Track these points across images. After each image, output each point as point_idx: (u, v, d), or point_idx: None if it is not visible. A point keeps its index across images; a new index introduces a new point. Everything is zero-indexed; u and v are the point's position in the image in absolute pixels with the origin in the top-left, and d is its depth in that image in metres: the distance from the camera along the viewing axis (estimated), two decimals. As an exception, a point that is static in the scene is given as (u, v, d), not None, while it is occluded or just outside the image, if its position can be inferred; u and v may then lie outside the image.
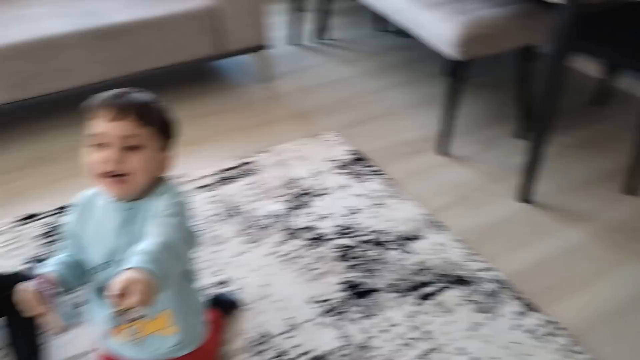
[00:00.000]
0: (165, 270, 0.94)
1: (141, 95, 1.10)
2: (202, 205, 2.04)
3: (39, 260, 1.78)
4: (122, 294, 0.86)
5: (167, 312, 1.15)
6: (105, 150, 1.02)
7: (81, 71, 2.36)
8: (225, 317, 1.57)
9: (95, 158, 1.03)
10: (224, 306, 1.59)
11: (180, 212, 1.08)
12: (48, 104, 2.64)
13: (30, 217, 1.98)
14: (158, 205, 1.07)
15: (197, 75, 3.00)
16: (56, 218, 1.97)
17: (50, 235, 1.89)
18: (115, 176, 1.03)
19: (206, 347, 1.28)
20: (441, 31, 2.09)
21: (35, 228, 1.93)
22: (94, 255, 1.13)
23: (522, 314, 1.61)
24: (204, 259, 1.79)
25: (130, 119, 1.03)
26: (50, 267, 1.11)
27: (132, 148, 1.04)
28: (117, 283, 0.87)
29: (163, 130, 1.12)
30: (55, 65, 2.29)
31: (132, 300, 0.86)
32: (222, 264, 1.78)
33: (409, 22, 2.28)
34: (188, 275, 1.22)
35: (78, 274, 1.15)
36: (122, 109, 1.03)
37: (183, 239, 1.05)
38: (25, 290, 1.02)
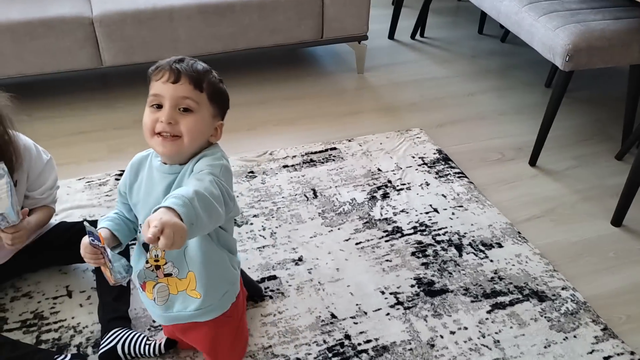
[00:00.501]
0: (194, 217, 0.93)
1: (198, 64, 1.15)
2: (285, 184, 2.10)
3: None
4: (156, 237, 0.85)
5: (193, 274, 1.18)
6: (161, 111, 1.10)
7: (187, 43, 2.48)
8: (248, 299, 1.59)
9: (150, 117, 1.10)
10: (250, 290, 1.59)
11: (219, 173, 1.10)
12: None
13: (128, 173, 2.12)
14: (198, 166, 1.12)
15: (293, 59, 3.07)
16: (151, 177, 2.10)
17: (145, 192, 2.02)
18: (167, 136, 1.09)
19: (229, 317, 1.29)
20: (552, 39, 2.02)
21: (132, 184, 2.06)
22: (141, 214, 1.20)
23: (599, 339, 1.55)
24: (281, 235, 1.85)
25: (185, 83, 1.10)
26: (103, 224, 1.20)
27: (185, 110, 1.10)
28: (150, 221, 0.87)
29: (215, 99, 1.17)
30: (168, 34, 2.42)
31: (162, 241, 0.85)
32: (299, 242, 1.83)
33: (518, 27, 2.21)
34: (225, 244, 1.24)
35: (128, 232, 1.24)
36: (179, 73, 1.09)
37: (217, 197, 1.04)
38: (82, 245, 1.10)
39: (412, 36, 3.31)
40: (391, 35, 3.29)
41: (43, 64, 2.34)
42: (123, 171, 2.12)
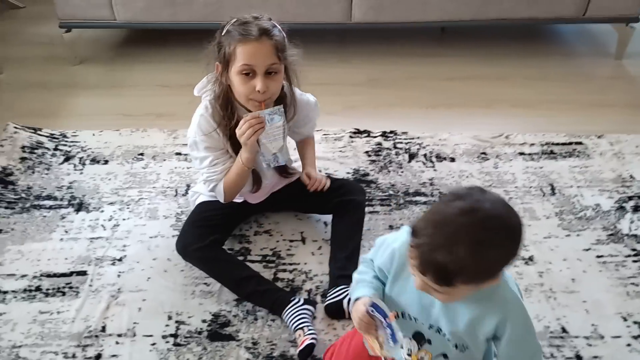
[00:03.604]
0: None
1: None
2: (519, 173, 1.96)
3: (365, 173, 1.95)
4: None
5: None
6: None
7: (437, 7, 2.41)
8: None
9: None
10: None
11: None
12: (397, 31, 2.80)
13: (364, 133, 2.16)
14: None
15: (538, 34, 2.82)
16: (382, 140, 2.12)
17: (378, 154, 2.06)
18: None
19: None
20: None
21: (366, 144, 2.11)
22: (411, 306, 1.10)
23: None
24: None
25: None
26: (369, 291, 1.10)
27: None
28: None
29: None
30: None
31: None
32: (531, 240, 1.71)
33: None
34: None
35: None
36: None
37: None
38: (359, 312, 1.05)
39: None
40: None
41: (298, 14, 2.46)
42: (358, 130, 2.21)
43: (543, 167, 1.99)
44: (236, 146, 1.50)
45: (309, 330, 1.39)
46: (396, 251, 1.06)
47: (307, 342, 1.35)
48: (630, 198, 1.86)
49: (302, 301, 1.47)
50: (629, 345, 1.43)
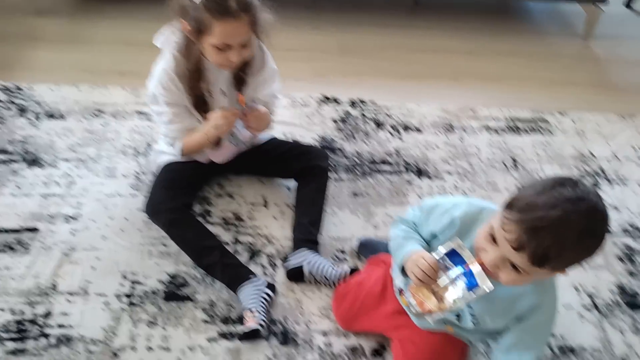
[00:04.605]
0: None
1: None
2: (484, 146, 1.97)
3: (331, 139, 1.93)
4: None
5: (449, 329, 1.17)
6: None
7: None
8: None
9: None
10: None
11: None
12: (371, 0, 2.76)
13: (332, 100, 2.13)
14: None
15: (509, 10, 2.82)
16: (350, 108, 2.10)
17: (345, 122, 2.03)
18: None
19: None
20: None
21: (333, 111, 2.08)
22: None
23: None
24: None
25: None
26: (417, 246, 1.11)
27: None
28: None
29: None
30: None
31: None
32: (491, 211, 1.73)
33: None
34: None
35: None
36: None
37: None
38: (430, 260, 1.04)
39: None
40: (629, 3, 2.86)
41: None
42: (326, 97, 2.17)
43: (507, 142, 2.00)
44: (199, 104, 1.45)
45: (259, 313, 1.34)
46: (457, 219, 1.08)
47: (254, 326, 1.31)
48: (588, 175, 1.89)
49: (264, 283, 1.42)
50: (580, 314, 1.47)
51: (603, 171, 1.91)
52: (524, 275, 0.95)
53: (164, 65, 1.42)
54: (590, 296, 1.51)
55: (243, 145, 1.56)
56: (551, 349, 1.38)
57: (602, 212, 0.91)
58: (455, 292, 1.02)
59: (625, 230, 1.70)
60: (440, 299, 1.04)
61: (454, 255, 1.02)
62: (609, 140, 2.04)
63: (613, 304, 1.50)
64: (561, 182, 0.91)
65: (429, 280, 1.04)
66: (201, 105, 1.46)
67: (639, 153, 1.99)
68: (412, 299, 1.06)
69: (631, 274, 1.58)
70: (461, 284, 1.01)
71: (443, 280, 1.04)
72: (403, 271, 1.13)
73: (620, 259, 1.62)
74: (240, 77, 1.48)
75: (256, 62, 1.48)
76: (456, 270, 1.01)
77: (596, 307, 1.49)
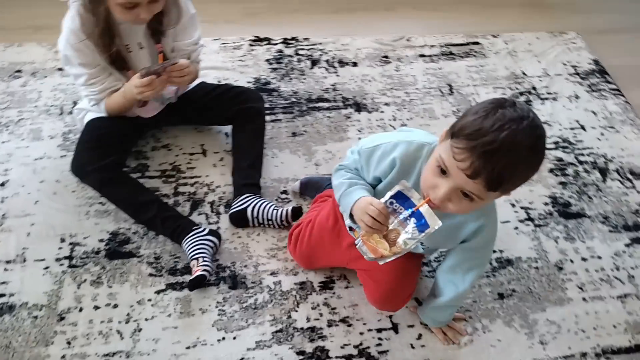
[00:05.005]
0: None
1: None
2: (420, 75, 1.98)
3: (266, 82, 1.89)
4: None
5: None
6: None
7: None
8: None
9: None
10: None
11: None
12: None
13: (264, 40, 2.07)
14: None
15: None
16: (284, 47, 2.04)
17: (279, 62, 1.98)
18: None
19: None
20: None
21: (266, 52, 2.02)
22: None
23: None
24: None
25: None
26: (364, 192, 1.09)
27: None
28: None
29: None
30: None
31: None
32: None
33: None
34: None
35: None
36: None
37: None
38: (378, 206, 1.02)
39: None
40: None
41: None
42: (258, 37, 2.11)
43: (442, 68, 2.01)
44: (117, 61, 1.36)
45: (204, 261, 1.34)
46: (397, 159, 1.06)
47: (199, 273, 1.31)
48: (521, 94, 1.93)
49: (206, 231, 1.41)
50: (516, 228, 1.54)
51: (535, 89, 1.95)
52: (476, 202, 0.95)
53: (70, 24, 1.31)
54: (525, 210, 1.58)
55: (169, 100, 1.49)
56: (490, 263, 1.44)
57: (542, 128, 0.92)
58: (405, 234, 1.02)
59: (557, 144, 1.77)
60: (392, 242, 1.04)
61: (401, 198, 1.01)
62: (540, 59, 2.08)
63: (547, 214, 1.57)
64: (501, 104, 0.91)
65: (380, 226, 1.03)
66: (120, 62, 1.37)
67: (569, 69, 2.04)
68: (364, 246, 1.05)
69: (563, 185, 1.65)
70: (411, 225, 1.01)
71: (393, 224, 1.03)
72: (352, 218, 1.11)
73: (553, 172, 1.68)
74: (157, 28, 1.39)
75: (172, 10, 1.38)
76: (405, 213, 1.01)
77: (531, 219, 1.56)
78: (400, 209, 1.01)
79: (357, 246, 1.06)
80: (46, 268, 1.35)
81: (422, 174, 1.00)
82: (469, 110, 0.93)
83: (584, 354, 1.29)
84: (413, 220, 1.00)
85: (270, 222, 1.46)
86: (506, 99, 0.92)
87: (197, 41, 1.50)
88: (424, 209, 0.98)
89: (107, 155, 1.43)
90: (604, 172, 1.69)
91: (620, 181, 1.67)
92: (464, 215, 1.07)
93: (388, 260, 1.04)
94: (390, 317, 1.33)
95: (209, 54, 1.98)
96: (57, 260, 1.37)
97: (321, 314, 1.32)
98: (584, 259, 1.47)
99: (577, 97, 1.93)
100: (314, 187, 1.55)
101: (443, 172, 0.94)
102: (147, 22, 1.33)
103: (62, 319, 1.27)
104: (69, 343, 1.23)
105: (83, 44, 1.31)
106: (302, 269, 1.40)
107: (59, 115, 1.72)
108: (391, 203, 1.02)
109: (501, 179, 0.88)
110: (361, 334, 1.30)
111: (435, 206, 0.98)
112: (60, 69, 1.86)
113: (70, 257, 1.37)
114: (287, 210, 1.45)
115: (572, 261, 1.46)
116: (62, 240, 1.41)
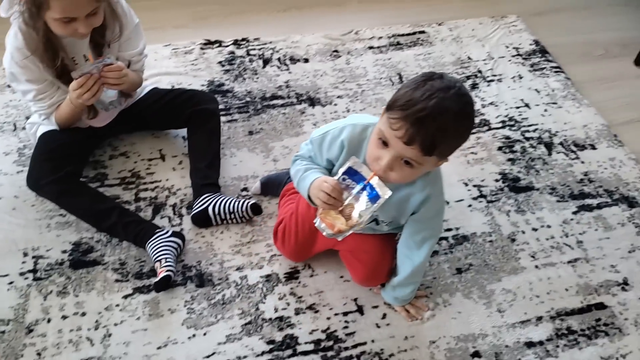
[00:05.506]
0: None
1: None
2: (370, 66, 2.03)
3: (220, 84, 1.91)
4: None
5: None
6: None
7: None
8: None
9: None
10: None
11: None
12: None
13: (215, 43, 2.09)
14: None
15: None
16: (235, 48, 2.07)
17: (231, 63, 2.01)
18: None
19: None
20: None
21: (218, 54, 2.05)
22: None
23: (687, 251, 1.51)
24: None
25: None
26: (318, 174, 1.16)
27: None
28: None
29: None
30: None
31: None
32: (383, 127, 1.81)
33: None
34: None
35: None
36: None
37: None
38: (331, 183, 1.08)
39: None
40: None
41: None
42: (209, 40, 2.13)
43: (391, 58, 2.07)
44: (63, 75, 1.36)
45: (167, 262, 1.36)
46: (345, 141, 1.14)
47: (163, 274, 1.33)
48: (468, 78, 2.01)
49: (169, 233, 1.43)
50: (470, 206, 1.60)
51: (480, 72, 2.03)
52: (417, 168, 1.03)
53: (13, 42, 1.31)
54: (477, 187, 1.65)
55: (115, 106, 1.48)
56: (447, 240, 1.51)
57: (468, 95, 1.01)
58: (359, 206, 1.08)
59: (503, 122, 1.84)
60: (348, 217, 1.09)
61: (352, 174, 1.08)
62: (484, 43, 2.16)
63: (498, 190, 1.64)
64: (429, 77, 1.00)
65: (335, 201, 1.09)
66: (67, 75, 1.36)
67: (511, 50, 2.13)
68: (322, 224, 1.10)
69: (512, 161, 1.73)
70: (364, 197, 1.07)
71: (348, 199, 1.09)
72: (311, 201, 1.17)
73: (501, 150, 1.76)
74: (99, 42, 1.39)
75: (114, 23, 1.38)
76: (357, 187, 1.07)
77: (484, 196, 1.63)
78: (353, 184, 1.08)
79: (315, 224, 1.12)
80: (10, 283, 1.35)
81: (367, 150, 1.08)
82: (402, 86, 1.03)
83: (539, 318, 1.36)
84: (365, 193, 1.07)
85: (232, 216, 1.49)
86: (434, 73, 1.01)
87: (141, 51, 1.51)
88: (375, 180, 1.06)
89: (61, 167, 1.44)
90: (549, 146, 1.78)
91: (565, 153, 1.75)
92: (410, 187, 1.14)
93: (346, 234, 1.10)
94: (355, 300, 1.38)
95: (160, 60, 2.00)
96: (21, 274, 1.37)
97: (288, 304, 1.36)
98: (534, 229, 1.55)
99: (520, 77, 2.01)
100: (274, 184, 1.59)
101: (384, 143, 1.02)
102: (88, 36, 1.34)
103: (30, 331, 1.27)
104: (39, 354, 1.24)
105: (28, 61, 1.31)
106: (267, 262, 1.44)
107: (13, 131, 1.71)
108: (344, 179, 1.08)
109: (434, 143, 0.97)
110: (328, 318, 1.34)
111: (380, 177, 1.05)
112: (9, 86, 1.84)
113: (34, 271, 1.38)
114: (247, 203, 1.47)
115: (523, 232, 1.54)
116: (25, 255, 1.41)
